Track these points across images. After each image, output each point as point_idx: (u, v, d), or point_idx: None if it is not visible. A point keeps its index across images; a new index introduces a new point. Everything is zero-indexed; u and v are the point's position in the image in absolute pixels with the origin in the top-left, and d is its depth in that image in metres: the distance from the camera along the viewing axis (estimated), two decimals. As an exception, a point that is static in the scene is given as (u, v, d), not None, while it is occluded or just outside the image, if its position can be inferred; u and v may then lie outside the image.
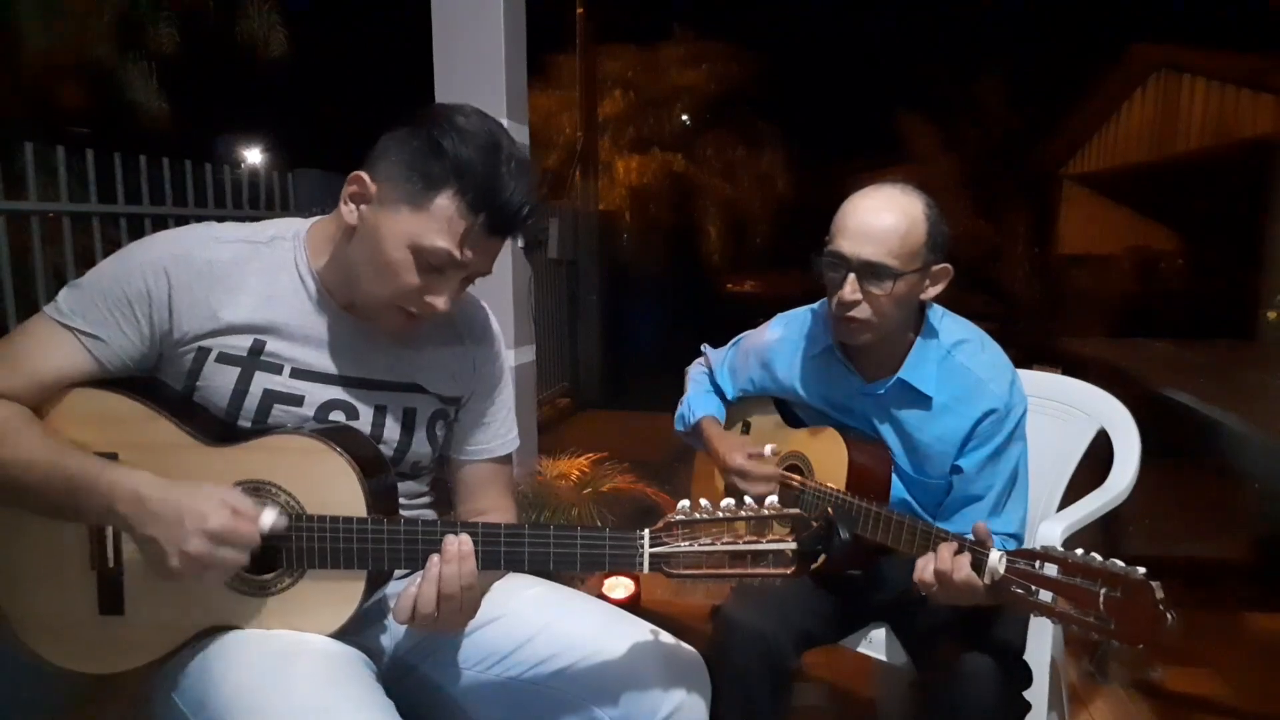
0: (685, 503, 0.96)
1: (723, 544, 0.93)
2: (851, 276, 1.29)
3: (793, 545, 0.92)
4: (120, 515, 0.92)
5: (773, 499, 0.94)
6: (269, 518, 0.94)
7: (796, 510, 0.93)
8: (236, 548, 0.92)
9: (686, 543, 0.94)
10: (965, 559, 1.13)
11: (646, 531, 0.95)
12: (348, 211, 1.02)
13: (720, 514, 0.94)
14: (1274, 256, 7.75)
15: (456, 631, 1.10)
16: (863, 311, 1.30)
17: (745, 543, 0.93)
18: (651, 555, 0.95)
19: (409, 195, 0.97)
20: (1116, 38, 11.57)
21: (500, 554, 0.98)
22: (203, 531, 0.90)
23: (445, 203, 0.97)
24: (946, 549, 1.15)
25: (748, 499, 0.95)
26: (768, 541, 0.93)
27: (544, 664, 1.11)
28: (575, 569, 0.97)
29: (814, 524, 0.93)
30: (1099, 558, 1.02)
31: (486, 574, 1.00)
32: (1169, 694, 2.11)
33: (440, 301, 1.02)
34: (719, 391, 1.71)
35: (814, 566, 0.94)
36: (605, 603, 1.23)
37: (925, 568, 1.17)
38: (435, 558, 0.96)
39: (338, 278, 1.07)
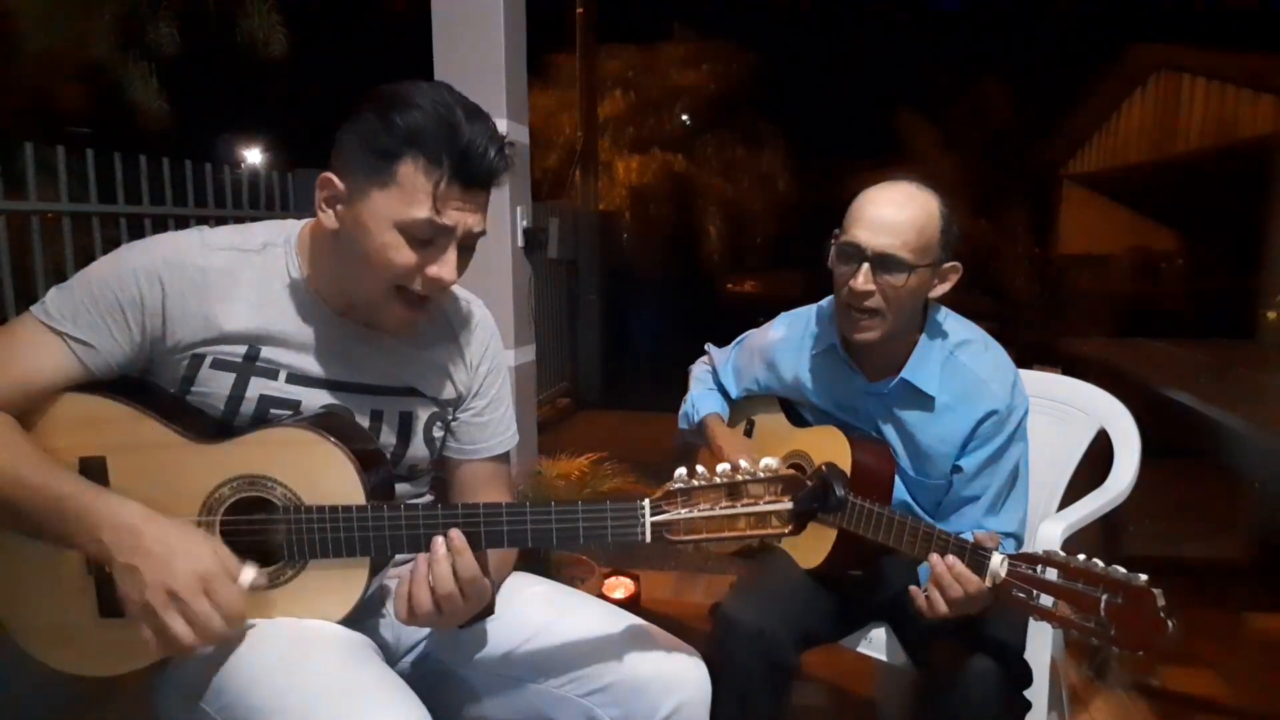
0: (682, 470, 0.96)
1: (721, 508, 0.94)
2: (865, 266, 1.29)
3: (789, 505, 0.93)
4: (105, 545, 0.91)
5: (769, 461, 0.95)
6: (249, 575, 0.94)
7: (792, 471, 0.94)
8: (217, 598, 0.90)
9: (686, 509, 0.95)
10: (969, 573, 1.13)
11: (647, 500, 0.95)
12: (326, 217, 1.01)
13: (717, 479, 0.95)
14: (1274, 256, 7.74)
15: (464, 621, 1.06)
16: (875, 302, 1.30)
17: (743, 506, 0.94)
18: (652, 524, 0.95)
19: (373, 177, 0.96)
20: (1116, 38, 11.58)
21: (503, 532, 0.97)
22: (192, 573, 0.89)
23: (408, 169, 0.95)
24: (951, 565, 1.15)
25: (743, 463, 0.95)
26: (765, 504, 0.94)
27: (544, 663, 1.11)
28: (579, 542, 0.97)
29: (809, 484, 0.94)
30: (1101, 563, 1.02)
31: (502, 562, 0.98)
32: (1169, 694, 2.10)
33: (444, 271, 1.00)
34: (723, 391, 1.71)
35: (814, 561, 0.94)
36: (605, 602, 1.22)
37: (938, 606, 1.17)
38: (423, 558, 0.96)
39: (331, 283, 1.06)
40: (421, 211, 0.96)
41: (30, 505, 0.92)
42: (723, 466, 0.95)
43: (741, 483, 0.94)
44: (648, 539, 0.95)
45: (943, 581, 1.15)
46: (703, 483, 0.95)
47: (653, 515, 0.95)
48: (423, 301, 1.04)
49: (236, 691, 0.92)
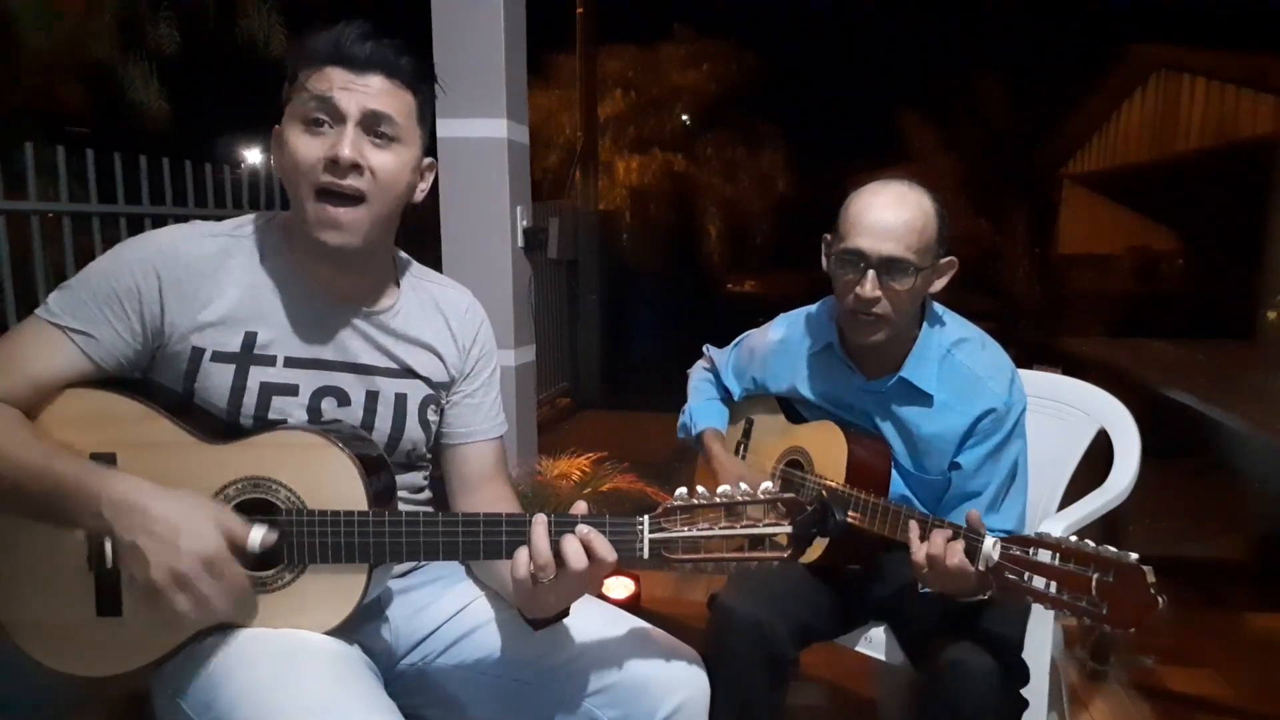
0: (683, 490, 0.97)
1: (720, 529, 0.94)
2: (871, 274, 1.29)
3: (788, 529, 0.93)
4: (106, 520, 0.91)
5: (769, 484, 0.95)
6: (257, 536, 0.94)
7: (792, 495, 0.95)
8: (223, 581, 0.91)
9: (685, 528, 0.95)
10: (959, 545, 1.14)
11: (646, 518, 0.96)
12: (276, 168, 1.10)
13: (718, 499, 0.95)
14: (1274, 256, 7.75)
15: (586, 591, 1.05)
16: (882, 308, 1.30)
17: (742, 527, 0.94)
18: (651, 541, 0.95)
19: (286, 102, 1.04)
20: (1116, 38, 11.59)
21: (502, 544, 0.98)
22: (196, 554, 0.89)
23: (303, 75, 1.02)
24: (940, 535, 1.16)
25: (743, 485, 0.96)
26: (764, 526, 0.94)
27: (543, 665, 1.11)
28: None
29: (809, 508, 0.94)
30: (1091, 543, 1.02)
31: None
32: (1169, 694, 2.10)
33: (342, 146, 1.00)
34: (725, 391, 1.71)
35: (811, 555, 0.95)
36: (605, 603, 1.23)
37: (919, 550, 1.18)
38: (522, 550, 0.96)
39: (307, 255, 1.08)
40: (305, 92, 1.01)
41: (33, 487, 0.93)
42: (723, 488, 0.95)
43: (742, 504, 0.94)
44: (645, 556, 0.96)
45: (934, 552, 1.16)
46: (703, 501, 0.95)
47: (652, 533, 0.96)
48: (344, 201, 1.01)
49: (225, 705, 0.92)
